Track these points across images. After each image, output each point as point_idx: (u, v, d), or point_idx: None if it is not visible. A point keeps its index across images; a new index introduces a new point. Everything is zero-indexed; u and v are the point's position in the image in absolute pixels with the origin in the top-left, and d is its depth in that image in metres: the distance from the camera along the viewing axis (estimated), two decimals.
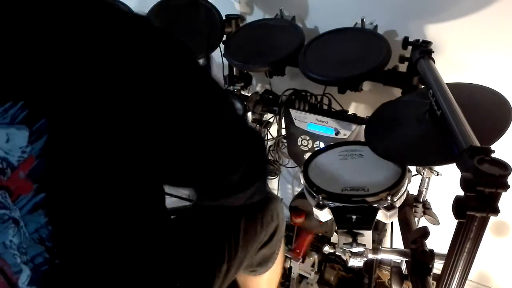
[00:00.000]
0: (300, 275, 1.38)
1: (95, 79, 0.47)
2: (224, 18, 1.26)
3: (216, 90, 0.62)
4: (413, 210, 1.04)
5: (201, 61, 1.03)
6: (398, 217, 0.96)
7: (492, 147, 0.58)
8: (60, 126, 0.46)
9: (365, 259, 0.79)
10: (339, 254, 0.81)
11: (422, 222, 1.06)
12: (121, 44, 0.49)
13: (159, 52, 0.52)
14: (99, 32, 0.48)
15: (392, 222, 1.20)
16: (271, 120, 1.34)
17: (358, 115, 1.14)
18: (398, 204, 0.79)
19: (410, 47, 1.03)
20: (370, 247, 0.80)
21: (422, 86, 1.01)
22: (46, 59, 0.46)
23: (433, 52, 0.98)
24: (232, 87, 1.35)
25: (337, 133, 1.13)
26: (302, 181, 0.87)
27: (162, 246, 0.62)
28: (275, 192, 1.60)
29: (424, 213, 1.04)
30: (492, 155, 0.57)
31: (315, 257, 1.37)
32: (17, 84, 0.46)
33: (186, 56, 0.56)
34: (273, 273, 1.08)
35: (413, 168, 0.96)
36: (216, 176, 0.64)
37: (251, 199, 0.73)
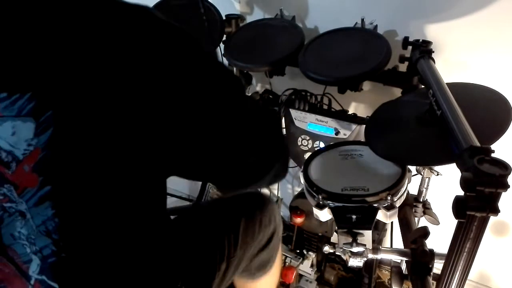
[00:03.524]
0: (300, 276, 1.38)
1: (101, 71, 0.47)
2: (224, 18, 1.26)
3: (225, 76, 0.60)
4: (413, 210, 1.04)
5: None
6: (398, 217, 0.96)
7: (492, 147, 0.58)
8: (66, 118, 0.46)
9: (365, 259, 0.79)
10: (339, 254, 0.81)
11: (422, 222, 1.06)
12: (126, 36, 0.49)
13: (163, 41, 0.51)
14: (104, 24, 0.48)
15: (392, 222, 1.20)
16: None
17: (358, 115, 1.14)
18: (398, 204, 0.79)
19: (410, 47, 1.03)
20: (370, 247, 0.80)
21: (422, 86, 1.01)
22: (52, 50, 0.46)
23: (433, 52, 0.98)
24: None
25: (337, 133, 1.13)
26: (302, 181, 0.87)
27: (164, 244, 0.62)
28: (275, 192, 1.60)
29: (424, 213, 1.04)
30: (492, 155, 0.57)
31: (313, 257, 1.37)
32: (25, 75, 0.46)
33: (190, 43, 0.55)
34: (272, 277, 1.08)
35: (413, 168, 0.96)
36: (231, 163, 0.62)
37: (274, 180, 0.73)
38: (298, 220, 1.26)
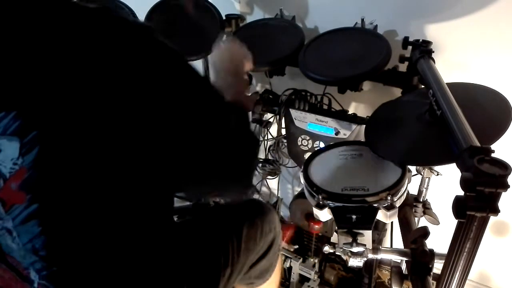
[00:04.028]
0: (300, 276, 1.38)
1: (85, 91, 0.47)
2: (224, 18, 1.26)
3: (210, 96, 0.61)
4: (413, 210, 1.04)
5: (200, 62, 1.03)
6: (398, 217, 0.96)
7: (492, 147, 0.58)
8: (52, 138, 0.46)
9: (365, 259, 0.79)
10: (339, 254, 0.81)
11: (422, 222, 1.06)
12: (111, 54, 0.49)
13: (149, 61, 0.52)
14: (88, 42, 0.48)
15: (392, 222, 1.20)
16: (271, 120, 1.34)
17: (358, 115, 1.14)
18: (398, 204, 0.79)
19: (410, 47, 1.03)
20: (370, 247, 0.80)
21: (422, 86, 1.01)
22: (37, 70, 0.46)
23: (433, 52, 0.98)
24: None
25: (337, 133, 1.13)
26: (302, 181, 0.87)
27: (166, 251, 0.62)
28: (275, 192, 1.60)
29: (424, 213, 1.04)
30: (492, 155, 0.57)
31: (315, 260, 1.37)
32: (10, 94, 0.46)
33: (178, 65, 0.55)
34: (271, 284, 1.09)
35: (413, 168, 0.96)
36: (200, 181, 0.64)
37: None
38: (316, 227, 1.22)
